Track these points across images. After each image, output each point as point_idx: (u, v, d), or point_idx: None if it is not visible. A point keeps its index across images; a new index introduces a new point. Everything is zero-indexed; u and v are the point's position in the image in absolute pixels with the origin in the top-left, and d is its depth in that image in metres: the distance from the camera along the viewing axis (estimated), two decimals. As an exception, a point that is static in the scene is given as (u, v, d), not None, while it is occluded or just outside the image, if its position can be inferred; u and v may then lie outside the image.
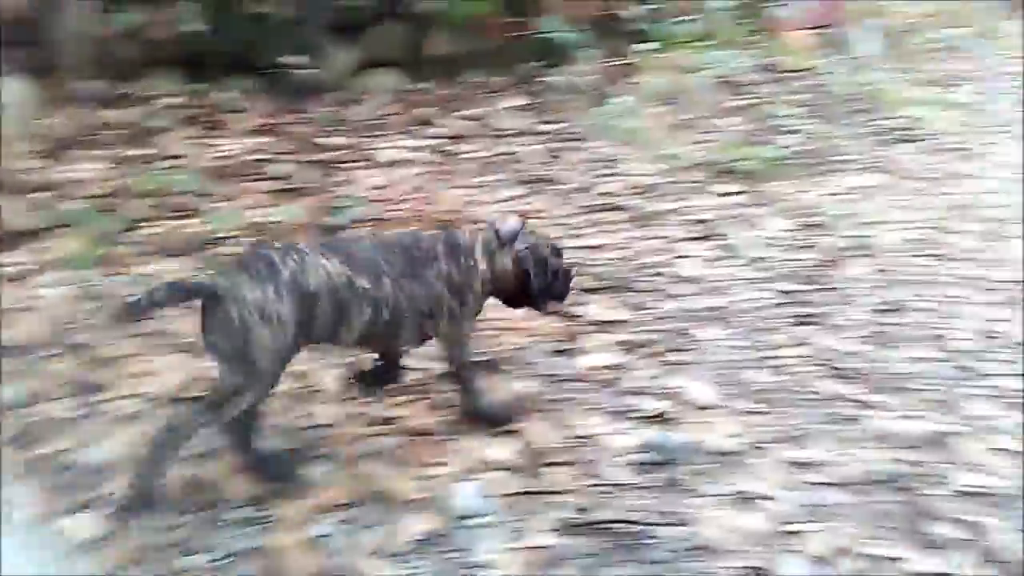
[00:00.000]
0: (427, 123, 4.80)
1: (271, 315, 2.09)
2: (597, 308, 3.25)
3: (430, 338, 2.45)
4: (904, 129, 5.13)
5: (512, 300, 2.57)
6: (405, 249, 2.36)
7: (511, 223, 2.52)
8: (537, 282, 2.49)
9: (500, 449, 2.45)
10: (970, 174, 4.73)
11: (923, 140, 5.05)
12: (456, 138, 4.67)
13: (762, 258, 3.72)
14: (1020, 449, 2.52)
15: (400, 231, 2.82)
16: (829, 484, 2.36)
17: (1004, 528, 2.21)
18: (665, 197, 4.22)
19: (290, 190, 4.01)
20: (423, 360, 2.71)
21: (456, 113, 4.91)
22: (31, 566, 2.01)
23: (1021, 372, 2.91)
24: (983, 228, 4.16)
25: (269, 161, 4.24)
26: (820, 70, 5.54)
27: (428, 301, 2.34)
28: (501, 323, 2.98)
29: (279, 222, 3.65)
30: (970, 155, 4.94)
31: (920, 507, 2.28)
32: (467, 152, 4.55)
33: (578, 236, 3.74)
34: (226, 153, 4.28)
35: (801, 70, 5.47)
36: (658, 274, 3.55)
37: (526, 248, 2.48)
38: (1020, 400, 2.76)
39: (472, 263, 2.43)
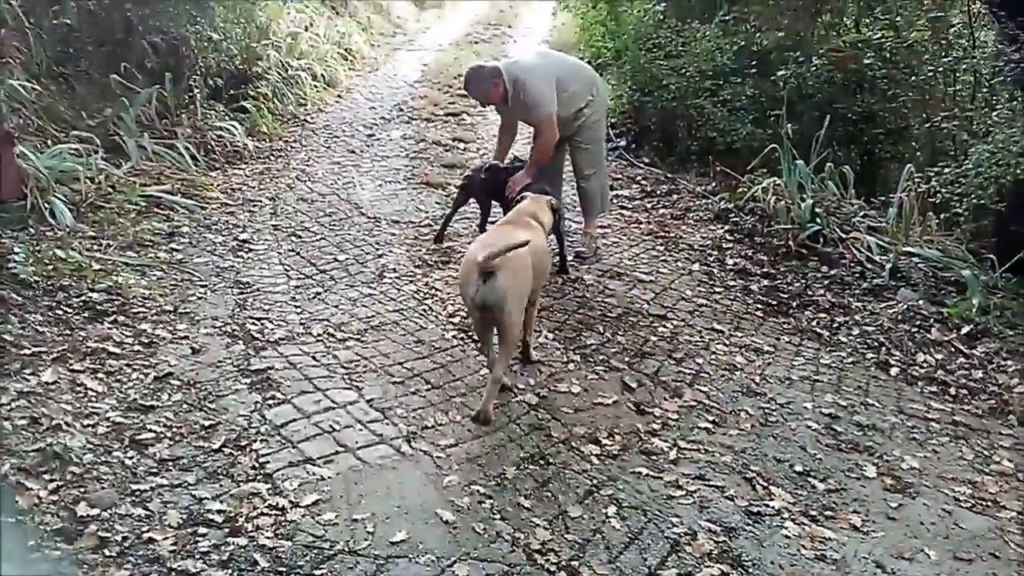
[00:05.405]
0: None
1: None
2: None
3: None
4: (106, 301, 4.83)
5: None
6: None
7: None
8: None
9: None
10: (180, 336, 4.68)
11: (127, 309, 4.83)
12: None
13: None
14: None
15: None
16: None
17: None
18: None
19: None
20: None
21: None
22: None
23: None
24: (188, 396, 4.10)
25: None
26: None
27: None
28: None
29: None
30: (181, 316, 4.91)
31: None
32: None
33: None
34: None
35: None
36: None
37: None
38: None
39: None
